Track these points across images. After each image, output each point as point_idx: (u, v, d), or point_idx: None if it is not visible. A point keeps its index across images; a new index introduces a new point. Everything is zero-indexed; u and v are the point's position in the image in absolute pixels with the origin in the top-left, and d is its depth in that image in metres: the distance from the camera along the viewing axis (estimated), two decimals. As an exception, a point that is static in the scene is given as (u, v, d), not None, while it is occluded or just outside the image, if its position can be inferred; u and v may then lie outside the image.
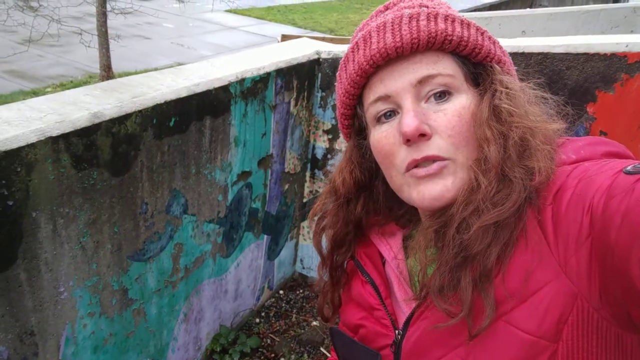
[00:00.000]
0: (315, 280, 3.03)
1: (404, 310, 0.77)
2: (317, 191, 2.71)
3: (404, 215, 0.83)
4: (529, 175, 0.63)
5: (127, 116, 1.56)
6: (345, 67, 0.74)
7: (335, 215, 0.84)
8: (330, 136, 2.57)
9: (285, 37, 5.11)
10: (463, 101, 0.67)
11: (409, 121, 0.65)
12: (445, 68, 0.67)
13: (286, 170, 2.51)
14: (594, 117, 1.94)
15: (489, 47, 0.70)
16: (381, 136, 0.71)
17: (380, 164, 0.74)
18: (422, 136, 0.65)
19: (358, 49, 0.71)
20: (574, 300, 0.57)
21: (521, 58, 2.01)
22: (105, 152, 1.52)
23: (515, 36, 2.74)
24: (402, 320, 0.77)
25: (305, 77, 2.40)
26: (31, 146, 1.32)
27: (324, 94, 2.50)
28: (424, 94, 0.67)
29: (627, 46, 1.83)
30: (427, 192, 0.67)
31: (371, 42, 0.69)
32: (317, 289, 0.92)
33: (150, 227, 1.76)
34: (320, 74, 2.47)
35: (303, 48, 2.48)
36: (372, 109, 0.72)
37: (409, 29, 0.66)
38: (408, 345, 0.73)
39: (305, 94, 2.45)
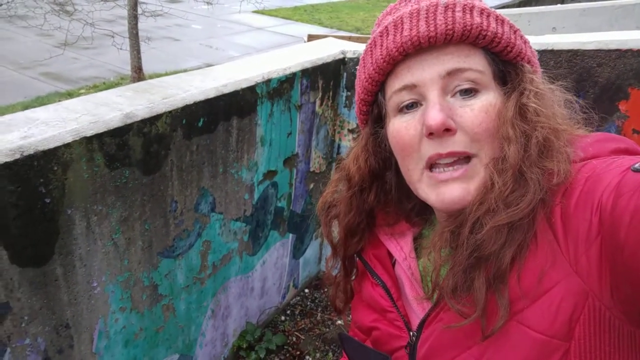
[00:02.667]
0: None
1: (417, 311, 0.77)
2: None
3: (413, 209, 0.81)
4: (545, 176, 0.62)
5: (157, 117, 1.61)
6: (371, 52, 0.71)
7: (348, 204, 0.81)
8: (355, 135, 2.57)
9: (311, 37, 5.14)
10: (490, 98, 0.65)
11: (434, 115, 0.63)
12: (476, 63, 0.65)
13: (311, 169, 2.53)
14: (627, 115, 1.89)
15: (520, 46, 0.68)
16: (401, 126, 0.69)
17: (397, 154, 0.72)
18: (447, 131, 0.64)
19: (387, 34, 0.68)
20: (585, 298, 0.57)
21: (550, 55, 1.98)
22: (137, 152, 1.57)
23: (545, 33, 2.69)
24: (415, 321, 0.76)
25: (330, 76, 2.41)
26: (67, 146, 1.38)
27: (349, 93, 2.51)
28: (451, 87, 0.66)
29: (662, 42, 1.78)
30: (448, 194, 0.66)
31: (403, 28, 0.66)
32: (328, 283, 0.92)
33: (180, 224, 1.81)
34: (345, 74, 2.47)
35: (328, 48, 2.49)
36: (395, 97, 0.69)
37: (444, 19, 0.63)
38: (423, 347, 0.72)
39: (331, 93, 2.46)
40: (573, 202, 0.58)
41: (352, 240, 0.83)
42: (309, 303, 2.75)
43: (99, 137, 1.45)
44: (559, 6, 4.39)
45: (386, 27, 0.69)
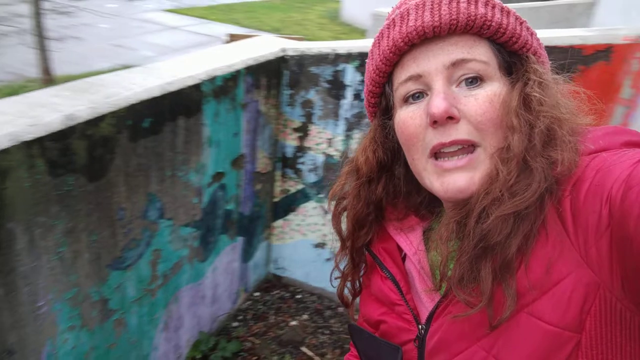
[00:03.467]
0: (292, 281, 2.99)
1: (427, 304, 0.77)
2: (288, 190, 2.70)
3: (422, 202, 0.81)
4: (551, 165, 0.62)
5: (101, 118, 1.49)
6: (378, 43, 0.72)
7: (356, 196, 0.81)
8: (300, 134, 2.56)
9: (234, 37, 5.00)
10: (495, 88, 0.66)
11: (437, 102, 0.64)
12: (480, 54, 0.66)
13: (257, 169, 2.48)
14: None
15: (526, 37, 0.69)
16: (407, 116, 0.69)
17: (403, 145, 0.73)
18: (450, 119, 0.64)
19: (394, 25, 0.69)
20: (596, 290, 0.57)
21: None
22: (81, 157, 1.44)
23: None
24: (424, 314, 0.76)
25: (272, 74, 2.38)
26: (4, 152, 1.24)
27: (291, 91, 2.49)
28: (455, 77, 0.66)
29: (581, 39, 1.95)
30: (452, 183, 0.66)
31: (408, 19, 0.67)
32: (335, 276, 0.90)
33: (128, 233, 1.69)
34: (287, 72, 2.45)
35: (268, 45, 2.46)
36: (401, 88, 0.70)
37: (449, 10, 0.64)
38: (432, 340, 0.72)
39: (273, 92, 2.43)
40: (583, 194, 0.59)
41: (360, 232, 0.83)
42: (260, 306, 2.69)
43: (39, 141, 1.32)
44: None
45: (393, 19, 0.70)
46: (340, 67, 2.35)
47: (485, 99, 0.65)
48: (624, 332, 0.57)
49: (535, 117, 0.64)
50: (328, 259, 2.73)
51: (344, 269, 0.88)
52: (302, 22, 11.73)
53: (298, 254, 2.82)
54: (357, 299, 0.92)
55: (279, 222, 2.79)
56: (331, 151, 2.52)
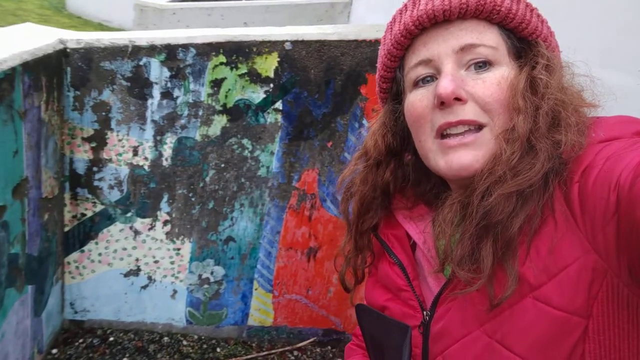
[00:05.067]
0: (98, 323, 2.53)
1: (434, 290, 0.77)
2: (83, 215, 2.18)
3: (431, 190, 0.82)
4: (556, 147, 0.63)
5: None
6: (390, 28, 0.75)
7: (364, 179, 0.83)
8: (93, 144, 2.09)
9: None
10: (503, 72, 0.68)
11: (445, 84, 0.66)
12: (489, 40, 0.68)
13: (44, 195, 1.92)
14: (367, 97, 2.18)
15: (536, 24, 0.71)
16: (416, 99, 0.72)
17: (411, 127, 0.75)
18: (457, 101, 0.66)
19: (406, 10, 0.72)
20: (603, 276, 0.58)
21: (302, 46, 2.08)
22: None
23: (238, 26, 2.83)
24: (429, 301, 0.76)
25: (53, 73, 1.86)
26: None
27: (77, 93, 2.00)
28: (464, 61, 0.68)
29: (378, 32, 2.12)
30: (456, 160, 0.67)
31: (420, 3, 0.70)
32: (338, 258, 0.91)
33: None
34: (69, 68, 1.95)
35: (39, 35, 1.91)
36: (412, 73, 0.73)
37: None
38: (437, 326, 0.73)
39: (56, 94, 1.91)
40: (591, 180, 0.59)
41: (366, 216, 0.84)
42: (64, 365, 2.13)
43: None
44: (246, 2, 4.68)
45: (405, 4, 0.73)
46: (143, 61, 2.00)
47: (493, 82, 0.67)
48: (631, 318, 0.59)
49: (540, 99, 0.66)
50: (145, 287, 2.35)
51: (347, 253, 0.89)
52: (18, 12, 9.74)
53: (104, 288, 2.33)
54: (356, 294, 0.92)
55: (74, 256, 2.24)
56: (139, 161, 2.14)
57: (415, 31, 0.70)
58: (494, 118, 0.67)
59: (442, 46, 0.68)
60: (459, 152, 0.67)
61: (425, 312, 0.76)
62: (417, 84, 0.72)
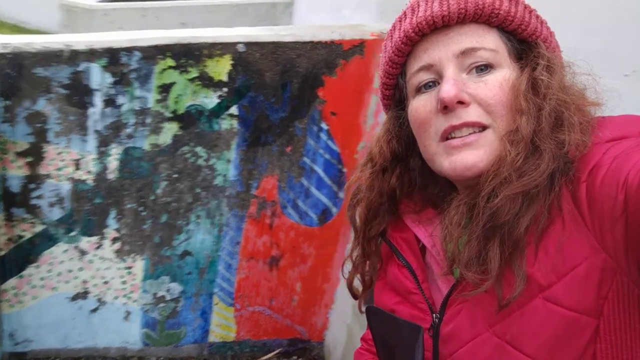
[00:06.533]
0: (44, 352, 2.34)
1: (444, 293, 0.76)
2: (20, 237, 1.97)
3: (438, 194, 0.81)
4: (560, 147, 0.64)
5: None
6: (391, 35, 0.76)
7: (370, 185, 0.83)
8: (29, 159, 1.89)
9: None
10: (505, 73, 0.68)
11: (447, 88, 0.66)
12: (489, 43, 0.69)
13: (-27, 219, 1.71)
14: (324, 99, 2.13)
15: (535, 25, 0.71)
16: (419, 105, 0.72)
17: (416, 132, 0.75)
18: (460, 104, 0.67)
19: (405, 17, 0.73)
20: (613, 275, 0.58)
21: (256, 48, 1.99)
22: None
23: (175, 27, 2.71)
24: (439, 304, 0.76)
25: (-22, 81, 1.66)
26: None
27: (8, 102, 1.80)
28: (466, 65, 0.69)
29: (340, 35, 2.07)
30: (460, 160, 0.67)
31: (419, 10, 0.70)
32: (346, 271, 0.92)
33: None
34: (-3, 76, 1.76)
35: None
36: (414, 79, 0.73)
37: (457, 0, 0.67)
38: (446, 328, 0.73)
39: (-18, 105, 1.71)
40: (599, 180, 0.59)
41: (373, 222, 0.84)
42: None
43: None
44: (184, 2, 4.47)
45: (404, 11, 0.74)
46: (82, 67, 1.84)
47: (495, 84, 0.67)
48: None
49: (542, 100, 0.66)
50: (94, 310, 2.17)
51: (355, 259, 0.89)
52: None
53: (48, 315, 2.14)
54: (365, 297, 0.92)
55: (11, 283, 2.03)
56: (81, 175, 1.97)
57: (415, 37, 0.71)
58: (497, 120, 0.67)
59: (442, 51, 0.69)
60: (462, 152, 0.67)
61: (434, 315, 0.76)
62: (420, 89, 0.73)
